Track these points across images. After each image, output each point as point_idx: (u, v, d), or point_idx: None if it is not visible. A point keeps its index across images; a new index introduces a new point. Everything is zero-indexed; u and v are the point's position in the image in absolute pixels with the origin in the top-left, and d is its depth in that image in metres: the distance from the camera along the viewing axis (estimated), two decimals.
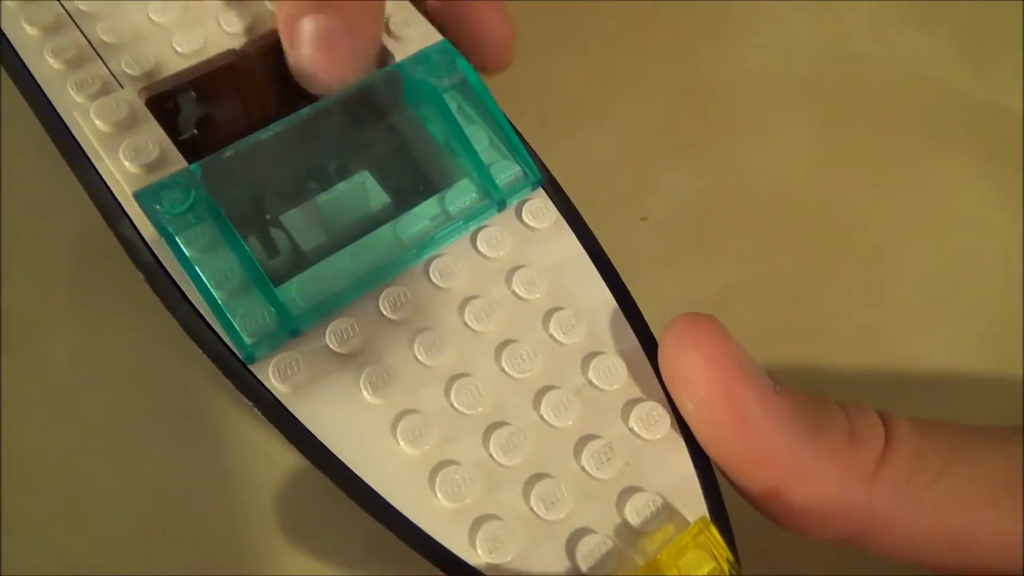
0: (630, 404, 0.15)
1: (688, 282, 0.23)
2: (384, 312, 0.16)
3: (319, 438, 0.15)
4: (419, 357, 0.15)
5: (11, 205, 0.22)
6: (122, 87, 0.17)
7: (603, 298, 0.16)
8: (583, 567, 0.14)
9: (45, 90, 0.17)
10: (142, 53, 0.18)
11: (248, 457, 0.19)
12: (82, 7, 0.19)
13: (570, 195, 0.18)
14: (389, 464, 0.14)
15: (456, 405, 0.15)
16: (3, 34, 0.18)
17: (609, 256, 0.18)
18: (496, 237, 0.17)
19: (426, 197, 0.17)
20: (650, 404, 0.15)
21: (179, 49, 0.18)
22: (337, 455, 0.14)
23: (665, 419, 0.15)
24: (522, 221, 0.17)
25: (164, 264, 0.16)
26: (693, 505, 0.14)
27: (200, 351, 0.15)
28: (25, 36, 0.18)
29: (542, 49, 0.26)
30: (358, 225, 0.17)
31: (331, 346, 0.15)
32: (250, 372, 0.15)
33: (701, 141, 0.26)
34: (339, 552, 0.18)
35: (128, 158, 0.15)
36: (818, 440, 0.14)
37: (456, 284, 0.16)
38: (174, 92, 0.17)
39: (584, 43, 0.27)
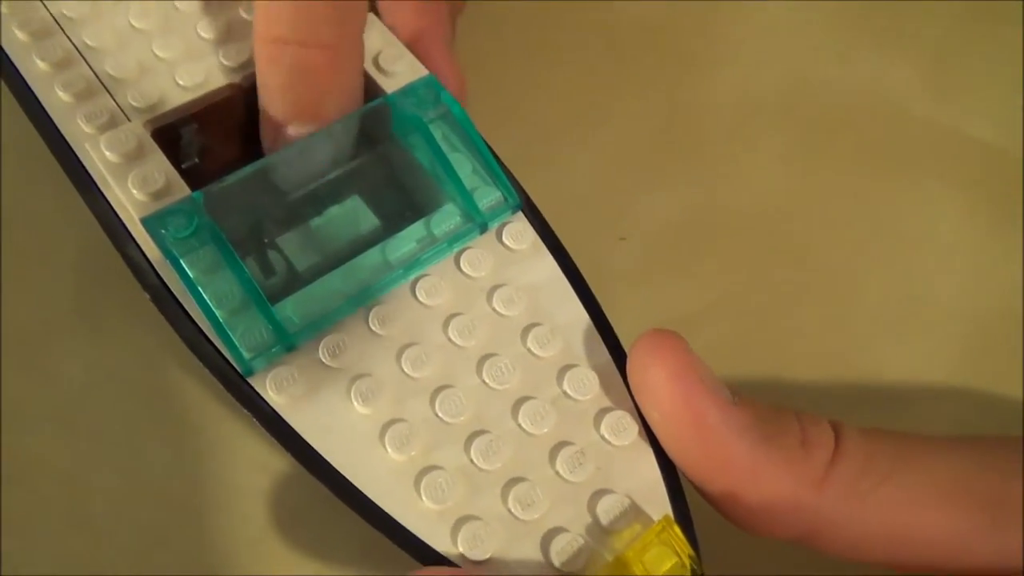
0: (601, 413, 0.16)
1: (662, 301, 0.24)
2: (373, 328, 0.17)
3: (313, 446, 0.16)
4: (406, 370, 0.16)
5: (16, 224, 0.23)
6: (129, 119, 0.19)
7: (578, 315, 0.18)
8: (556, 563, 0.15)
9: (56, 121, 0.19)
10: (147, 87, 0.19)
11: (246, 465, 0.20)
12: (90, 43, 0.20)
13: (551, 217, 0.19)
14: (378, 469, 0.15)
15: (440, 414, 0.16)
16: (16, 68, 0.19)
17: (588, 275, 0.19)
18: (478, 258, 0.18)
19: (413, 221, 0.18)
20: (619, 413, 0.16)
21: (181, 83, 0.19)
22: (330, 461, 0.16)
23: (633, 427, 0.16)
24: (502, 243, 0.18)
25: (169, 285, 0.17)
26: (658, 505, 0.16)
27: (202, 365, 0.16)
28: (37, 70, 0.19)
29: (522, 74, 0.27)
30: (349, 247, 0.18)
31: (324, 360, 0.16)
32: (248, 385, 0.16)
33: (676, 166, 0.27)
34: (333, 553, 0.19)
35: (136, 187, 0.16)
36: (772, 446, 0.15)
37: (440, 302, 0.17)
38: (177, 124, 0.18)
39: (562, 70, 0.28)
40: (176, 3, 0.21)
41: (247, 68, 0.20)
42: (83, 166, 0.18)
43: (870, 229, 0.26)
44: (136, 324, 0.21)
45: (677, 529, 0.15)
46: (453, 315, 0.17)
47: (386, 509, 0.15)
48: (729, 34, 0.30)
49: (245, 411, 0.16)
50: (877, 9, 0.31)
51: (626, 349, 0.17)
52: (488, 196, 0.19)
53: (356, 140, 0.18)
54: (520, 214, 0.19)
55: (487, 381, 0.16)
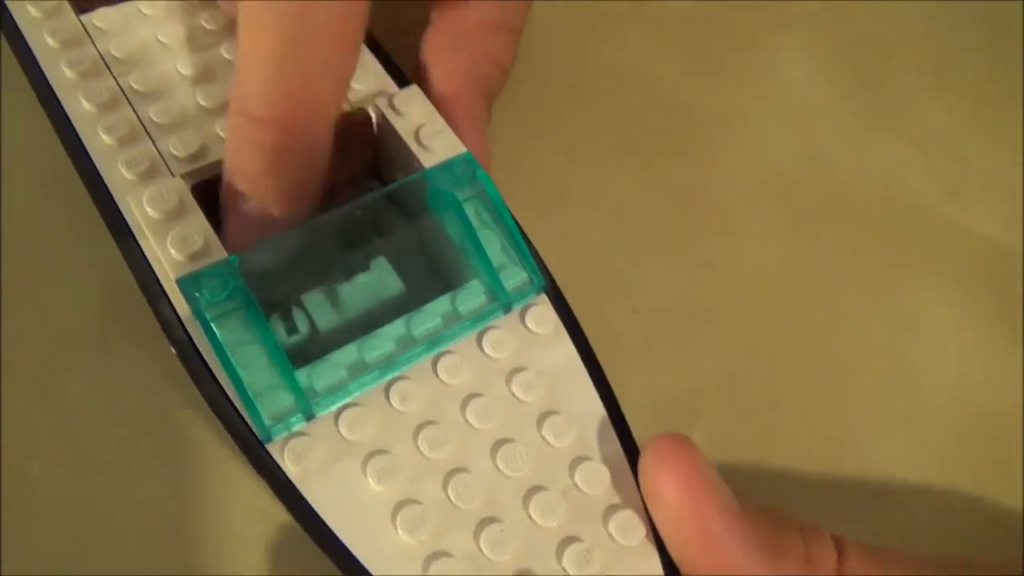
0: (611, 510, 0.17)
1: (669, 375, 0.24)
2: (393, 403, 0.17)
3: (324, 519, 0.16)
4: (422, 449, 0.17)
5: (35, 242, 0.23)
6: (169, 168, 0.19)
7: (593, 405, 0.18)
8: None
9: (97, 165, 0.19)
10: (188, 135, 0.19)
11: (245, 511, 0.20)
12: (135, 86, 0.20)
13: (564, 281, 0.20)
14: (387, 550, 0.16)
15: (453, 499, 0.16)
16: (61, 105, 0.20)
17: (598, 346, 0.19)
18: (500, 339, 0.18)
19: (439, 294, 0.18)
20: (628, 512, 0.16)
21: (222, 133, 0.20)
22: (339, 536, 0.16)
23: (641, 528, 0.16)
24: (525, 325, 0.19)
25: (196, 343, 0.17)
26: None
27: (222, 427, 0.17)
28: (82, 110, 0.20)
29: (533, 137, 0.28)
30: (375, 315, 0.18)
31: (342, 432, 0.17)
32: (266, 451, 0.16)
33: (686, 237, 0.27)
34: None
35: (175, 247, 0.17)
36: (776, 561, 0.15)
37: (461, 381, 0.18)
38: (216, 180, 0.19)
39: (573, 134, 0.28)
40: (223, 51, 0.21)
41: None
42: (120, 213, 0.18)
43: (869, 318, 0.27)
44: (146, 352, 0.22)
45: None
46: (472, 395, 0.17)
47: None
48: (742, 106, 0.31)
49: (259, 477, 0.16)
50: (892, 95, 0.32)
51: (637, 439, 0.18)
52: (515, 276, 0.19)
53: (390, 210, 0.19)
54: (544, 296, 0.19)
55: (501, 467, 0.17)
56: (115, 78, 0.20)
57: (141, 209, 0.17)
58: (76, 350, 0.21)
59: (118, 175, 0.19)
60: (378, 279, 0.19)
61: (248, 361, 0.16)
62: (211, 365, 0.17)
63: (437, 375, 0.18)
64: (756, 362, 0.25)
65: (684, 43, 0.32)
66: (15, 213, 0.23)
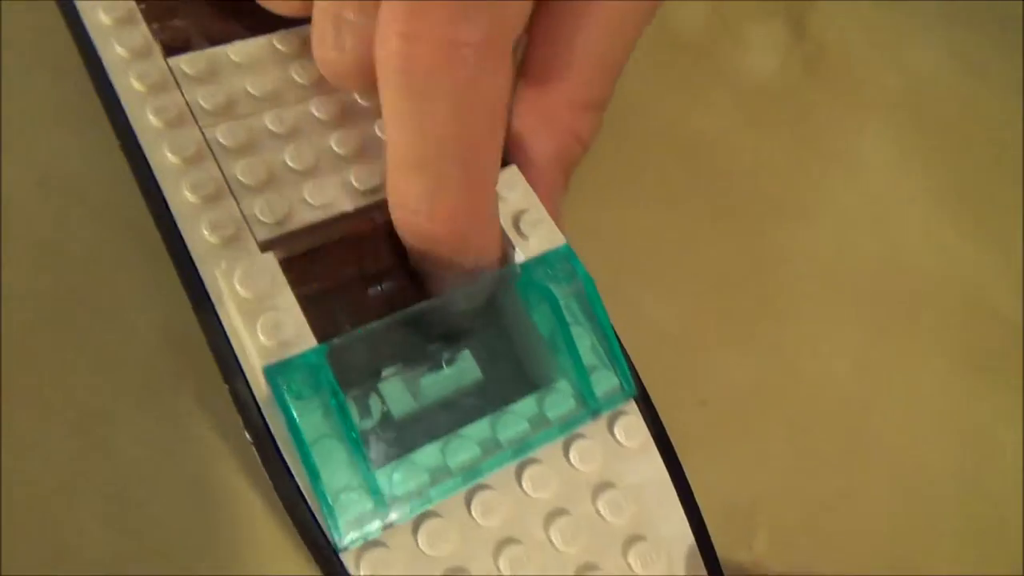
0: None
1: (734, 474, 0.23)
2: (475, 514, 0.16)
3: None
4: (502, 569, 0.16)
5: (94, 285, 0.22)
6: (253, 232, 0.18)
7: (682, 531, 0.17)
8: None
9: (179, 224, 0.18)
10: (275, 199, 0.18)
11: None
12: (222, 140, 0.19)
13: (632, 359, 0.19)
14: None
15: None
16: (144, 154, 0.19)
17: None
18: (588, 450, 0.17)
19: (526, 394, 0.17)
20: None
21: (309, 199, 0.19)
22: None
23: None
24: (613, 435, 0.18)
25: (273, 432, 0.16)
26: None
27: (292, 526, 0.16)
28: (166, 162, 0.19)
29: (601, 207, 0.27)
30: (458, 413, 0.17)
31: (421, 545, 0.16)
32: (340, 562, 0.15)
33: (758, 323, 0.26)
34: None
35: (264, 333, 0.16)
36: None
37: (546, 495, 0.17)
38: (307, 254, 0.18)
39: (643, 205, 0.27)
40: (313, 108, 0.20)
41: (376, 194, 0.19)
42: (200, 279, 0.17)
43: (943, 430, 0.26)
44: (203, 413, 0.21)
45: None
46: (557, 511, 0.16)
47: None
48: (823, 188, 0.30)
49: None
50: (983, 200, 0.31)
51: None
52: (605, 381, 0.18)
53: (482, 302, 0.18)
54: (633, 403, 0.18)
55: None
56: (201, 130, 0.19)
57: (231, 286, 0.16)
58: (131, 399, 0.21)
59: (201, 238, 0.18)
60: (463, 372, 0.18)
61: (328, 459, 0.15)
62: (287, 458, 0.16)
63: (521, 486, 0.17)
64: (823, 467, 0.24)
65: (764, 115, 0.31)
66: (72, 247, 0.22)
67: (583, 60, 0.20)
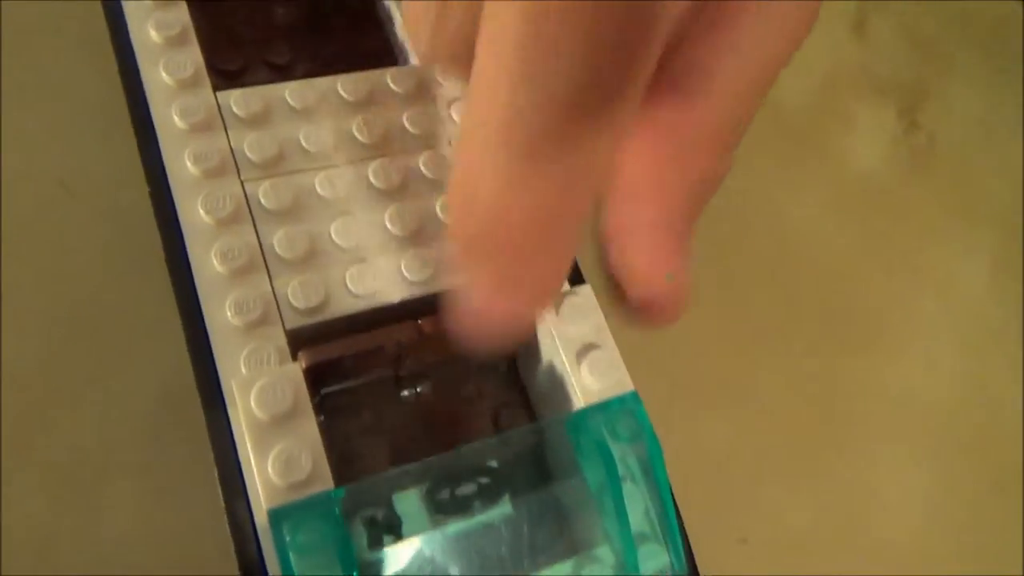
0: None
1: None
2: None
3: None
4: None
5: (92, 342, 0.20)
6: (282, 315, 0.16)
7: None
8: None
9: (201, 298, 0.16)
10: (312, 281, 0.16)
11: None
12: (264, 201, 0.17)
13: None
14: None
15: None
16: (175, 208, 0.16)
17: None
18: None
19: (563, 556, 0.15)
20: None
21: (352, 286, 0.16)
22: None
23: None
24: None
25: (266, 566, 0.14)
26: None
27: None
28: (197, 221, 0.16)
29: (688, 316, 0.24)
30: (485, 569, 0.15)
31: None
32: None
33: (817, 457, 0.24)
34: None
35: (276, 470, 0.13)
36: None
37: None
38: (336, 361, 0.15)
39: (723, 307, 0.25)
40: (371, 174, 0.18)
41: (428, 285, 0.17)
42: (217, 376, 0.15)
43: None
44: (196, 487, 0.19)
45: None
46: None
47: None
48: (910, 304, 0.27)
49: None
50: None
51: None
52: (654, 557, 0.15)
53: (528, 448, 0.16)
54: None
55: None
56: (243, 184, 0.17)
57: (246, 403, 0.14)
58: (123, 467, 0.19)
59: (223, 318, 0.15)
60: (496, 524, 0.16)
61: None
62: None
63: None
64: None
65: (862, 211, 0.28)
66: (86, 265, 0.20)
67: (737, 73, 0.15)
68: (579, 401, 0.16)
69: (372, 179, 0.18)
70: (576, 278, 0.17)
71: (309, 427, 0.14)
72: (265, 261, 0.16)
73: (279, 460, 0.13)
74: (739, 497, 0.23)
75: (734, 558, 0.22)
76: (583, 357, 0.16)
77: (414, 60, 0.20)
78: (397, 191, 0.18)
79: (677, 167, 0.15)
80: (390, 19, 0.21)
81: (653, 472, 0.16)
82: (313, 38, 0.20)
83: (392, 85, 0.19)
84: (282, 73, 0.19)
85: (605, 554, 0.15)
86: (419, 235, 0.17)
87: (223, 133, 0.17)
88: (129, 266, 0.19)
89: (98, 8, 0.18)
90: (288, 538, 0.13)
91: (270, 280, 0.16)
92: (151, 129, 0.17)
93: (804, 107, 0.29)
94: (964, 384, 0.26)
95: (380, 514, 0.15)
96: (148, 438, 0.19)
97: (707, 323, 0.24)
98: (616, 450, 0.15)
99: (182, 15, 0.18)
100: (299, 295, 0.16)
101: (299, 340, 0.16)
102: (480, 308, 0.12)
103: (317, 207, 0.17)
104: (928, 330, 0.26)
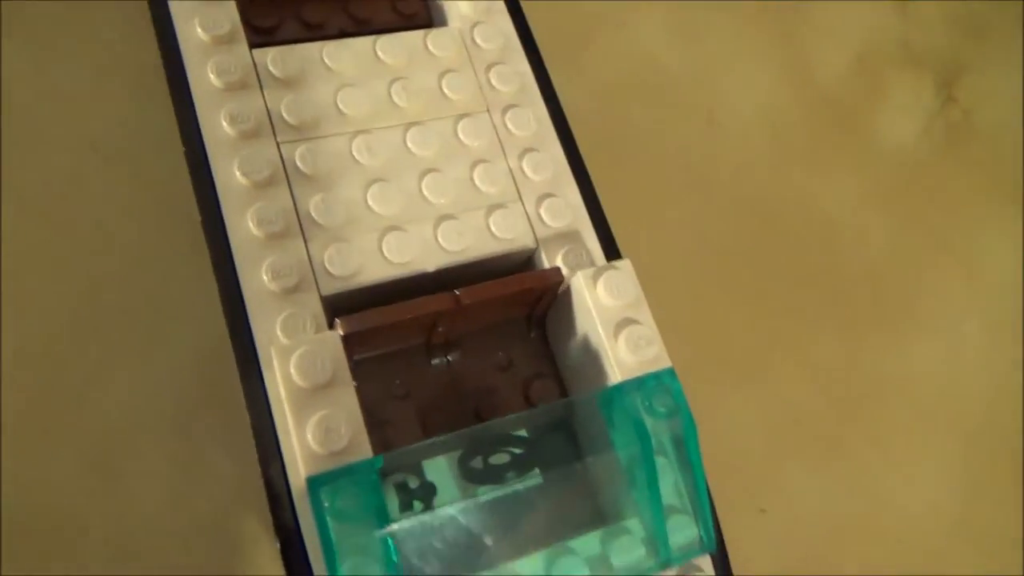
0: None
1: None
2: None
3: None
4: None
5: (144, 290, 0.20)
6: (318, 282, 0.16)
7: None
8: None
9: (237, 263, 0.15)
10: (348, 249, 0.16)
11: None
12: (301, 166, 0.16)
13: None
14: None
15: None
16: (210, 169, 0.16)
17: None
18: None
19: (590, 525, 0.15)
20: None
21: (388, 254, 0.16)
22: None
23: None
24: None
25: (304, 534, 0.14)
26: None
27: None
28: (233, 183, 0.16)
29: (697, 301, 0.24)
30: (516, 542, 0.15)
31: None
32: None
33: (841, 443, 0.24)
34: None
35: (315, 437, 0.13)
36: None
37: None
38: (376, 330, 0.15)
39: (755, 299, 0.24)
40: (409, 140, 0.17)
41: (464, 254, 0.17)
42: (253, 340, 0.15)
43: None
44: (224, 457, 0.19)
45: None
46: None
47: None
48: (940, 295, 0.26)
49: None
50: None
51: None
52: (683, 530, 0.16)
53: (563, 421, 0.16)
54: (708, 557, 0.16)
55: None
56: (279, 146, 0.17)
57: (286, 371, 0.14)
58: (151, 433, 0.19)
59: (259, 282, 0.15)
60: (527, 493, 0.16)
61: None
62: (314, 566, 0.14)
63: None
64: None
65: (894, 189, 0.27)
66: (122, 230, 0.20)
67: None
68: (615, 375, 0.16)
69: (410, 145, 0.17)
70: (614, 252, 0.17)
71: (348, 396, 0.14)
72: (301, 226, 0.16)
73: (319, 428, 0.13)
74: (761, 469, 0.23)
75: (752, 527, 0.22)
76: (620, 331, 0.16)
77: (451, 22, 0.19)
78: (436, 158, 0.17)
79: None
80: None
81: (686, 448, 0.16)
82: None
83: (431, 47, 0.18)
84: (316, 31, 0.19)
85: (635, 526, 0.16)
86: (457, 203, 0.17)
87: (259, 93, 0.17)
88: (162, 232, 0.19)
89: None
90: (327, 504, 0.13)
91: (306, 245, 0.16)
92: (186, 89, 0.17)
93: (840, 77, 0.28)
94: (990, 367, 0.26)
95: (412, 482, 0.15)
96: (181, 409, 0.19)
97: (733, 297, 0.24)
98: (651, 425, 0.15)
99: None
100: (335, 261, 0.16)
101: (333, 306, 0.16)
102: None
103: (354, 172, 0.17)
104: (956, 312, 0.26)
